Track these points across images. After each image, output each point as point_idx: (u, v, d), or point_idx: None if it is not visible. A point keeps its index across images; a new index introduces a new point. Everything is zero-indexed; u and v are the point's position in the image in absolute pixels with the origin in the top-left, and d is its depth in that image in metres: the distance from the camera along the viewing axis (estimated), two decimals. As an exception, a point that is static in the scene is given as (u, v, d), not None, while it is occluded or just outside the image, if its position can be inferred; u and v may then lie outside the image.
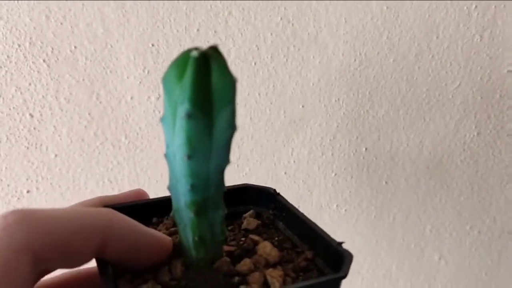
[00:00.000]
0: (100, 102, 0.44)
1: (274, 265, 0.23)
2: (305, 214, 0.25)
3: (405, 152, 0.52)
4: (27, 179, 0.45)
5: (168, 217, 0.28)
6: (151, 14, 0.42)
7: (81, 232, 0.20)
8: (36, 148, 0.44)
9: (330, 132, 0.50)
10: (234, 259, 0.24)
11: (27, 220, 0.19)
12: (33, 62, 0.42)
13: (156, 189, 0.47)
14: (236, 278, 0.22)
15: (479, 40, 0.49)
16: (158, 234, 0.23)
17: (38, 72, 0.42)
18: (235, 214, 0.29)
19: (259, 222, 0.28)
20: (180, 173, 0.20)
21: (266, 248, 0.24)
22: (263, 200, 0.29)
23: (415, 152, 0.52)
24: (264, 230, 0.27)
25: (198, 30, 0.43)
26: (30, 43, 0.41)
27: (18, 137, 0.44)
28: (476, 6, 0.47)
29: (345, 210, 0.54)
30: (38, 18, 0.41)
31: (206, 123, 0.19)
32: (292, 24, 0.45)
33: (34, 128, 0.44)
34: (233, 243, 0.26)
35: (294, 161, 0.50)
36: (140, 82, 0.44)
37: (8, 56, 0.41)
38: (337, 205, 0.53)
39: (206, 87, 0.18)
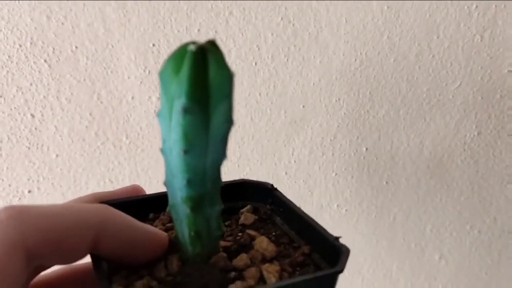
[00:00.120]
0: (101, 102, 0.44)
1: (270, 260, 0.23)
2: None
3: (405, 152, 0.52)
4: (28, 179, 0.45)
5: (164, 213, 0.28)
6: (152, 14, 0.42)
7: (74, 228, 0.20)
8: (37, 148, 0.44)
9: (330, 132, 0.50)
10: (230, 254, 0.24)
11: (20, 216, 0.19)
12: (34, 62, 0.42)
13: (157, 189, 0.46)
14: (233, 273, 0.22)
15: (479, 40, 0.49)
16: (153, 230, 0.23)
17: (39, 72, 0.42)
18: (233, 209, 0.29)
19: (256, 217, 0.28)
20: (176, 168, 0.20)
21: (263, 243, 0.24)
22: (260, 195, 0.29)
23: (416, 152, 0.52)
24: (261, 225, 0.27)
25: (199, 30, 0.43)
26: (31, 43, 0.41)
27: (19, 137, 0.44)
28: (476, 6, 0.47)
29: (346, 210, 0.54)
30: (39, 18, 0.41)
31: (203, 118, 0.19)
32: (293, 24, 0.45)
33: (35, 128, 0.44)
34: (230, 238, 0.26)
35: (294, 161, 0.50)
36: (141, 82, 0.44)
37: (9, 56, 0.41)
38: (337, 205, 0.53)
39: (203, 81, 0.18)
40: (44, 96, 0.43)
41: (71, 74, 0.43)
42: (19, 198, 0.46)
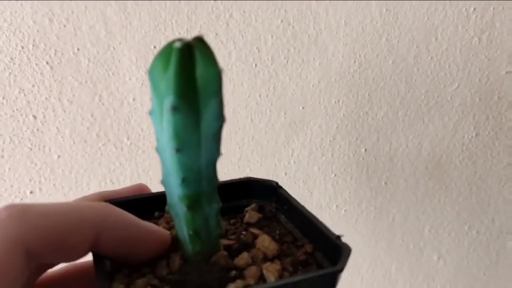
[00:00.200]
0: (103, 104, 0.45)
1: (272, 259, 0.23)
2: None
3: (404, 153, 0.53)
4: (30, 180, 0.46)
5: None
6: (153, 16, 0.43)
7: (74, 226, 0.20)
8: (39, 149, 0.45)
9: (330, 133, 0.50)
10: (232, 252, 0.24)
11: (21, 215, 0.19)
12: (36, 64, 0.42)
13: (159, 189, 0.47)
14: (233, 272, 0.22)
15: (477, 42, 0.49)
16: (155, 228, 0.23)
17: (41, 74, 0.43)
18: (238, 207, 0.28)
19: (261, 215, 0.28)
20: (171, 167, 0.20)
21: (265, 242, 0.24)
22: (265, 193, 0.29)
23: (414, 153, 0.53)
24: (265, 224, 0.27)
25: (199, 32, 0.44)
26: (33, 45, 0.42)
27: (22, 138, 0.44)
28: (474, 9, 0.48)
29: (345, 210, 0.54)
30: (41, 21, 0.41)
31: (193, 115, 0.18)
32: (293, 27, 0.45)
33: (37, 130, 0.44)
34: (233, 236, 0.26)
35: (294, 162, 0.51)
36: (142, 84, 0.45)
37: (11, 58, 0.42)
38: (336, 206, 0.54)
39: (190, 79, 0.17)
40: (46, 98, 0.43)
41: (73, 76, 0.43)
42: (21, 199, 0.46)
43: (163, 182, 0.22)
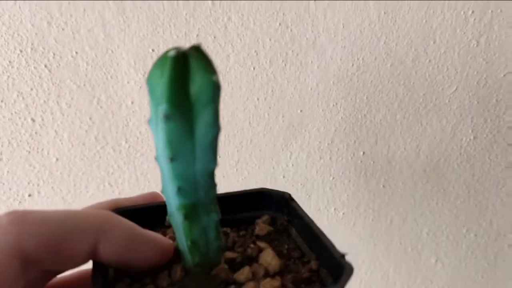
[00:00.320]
0: (101, 107, 0.45)
1: (273, 275, 0.22)
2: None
3: (402, 156, 0.53)
4: (28, 183, 0.46)
5: None
6: (151, 19, 0.43)
7: (72, 234, 0.20)
8: (37, 152, 0.45)
9: (328, 136, 0.50)
10: (235, 266, 0.23)
11: (19, 221, 0.19)
12: (34, 68, 0.42)
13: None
14: (232, 287, 0.21)
15: (475, 45, 0.49)
16: (157, 238, 0.23)
17: (39, 77, 0.43)
18: (250, 218, 0.28)
19: (271, 228, 0.27)
20: (167, 176, 0.20)
21: (268, 257, 0.23)
22: (278, 205, 0.28)
23: (412, 156, 0.53)
24: (275, 237, 0.26)
25: (197, 35, 0.44)
26: (32, 49, 0.42)
27: (20, 141, 0.44)
28: (473, 12, 0.48)
29: (343, 213, 0.54)
30: (39, 24, 0.41)
31: (186, 125, 0.18)
32: (291, 30, 0.45)
33: (36, 133, 0.44)
34: (239, 249, 0.25)
35: (292, 165, 0.51)
36: (140, 87, 0.45)
37: (10, 62, 0.42)
38: (335, 209, 0.54)
39: (183, 88, 0.17)
40: (45, 101, 0.43)
41: (71, 79, 0.43)
42: (20, 202, 0.46)
43: (162, 191, 0.22)
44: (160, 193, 0.28)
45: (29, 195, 0.46)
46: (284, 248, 0.25)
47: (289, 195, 0.27)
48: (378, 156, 0.52)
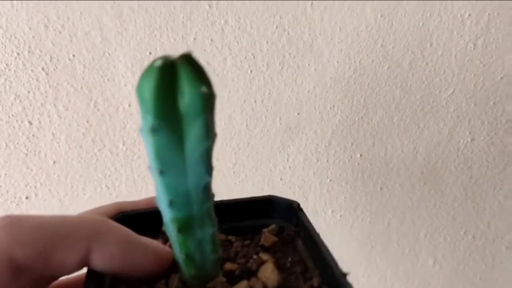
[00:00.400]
0: (98, 110, 0.45)
1: None
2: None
3: (399, 158, 0.53)
4: (26, 185, 0.46)
5: None
6: (149, 23, 0.43)
7: (64, 241, 0.19)
8: (34, 155, 0.45)
9: (325, 138, 0.50)
10: (234, 279, 0.23)
11: (11, 228, 0.19)
12: (32, 70, 0.42)
13: (149, 195, 0.47)
14: None
15: (472, 47, 0.49)
16: (154, 245, 0.22)
17: (37, 80, 0.43)
18: (258, 227, 0.27)
19: (277, 239, 0.26)
20: (158, 188, 0.20)
21: (266, 272, 0.22)
22: (287, 214, 0.27)
23: (410, 158, 0.53)
24: (280, 248, 0.25)
25: (194, 38, 0.44)
26: (29, 52, 0.42)
27: (17, 144, 0.44)
28: (469, 14, 0.48)
29: (340, 215, 0.54)
30: (37, 27, 0.41)
31: (175, 137, 0.17)
32: (288, 33, 0.45)
33: (33, 135, 0.44)
34: (241, 260, 0.24)
35: (289, 167, 0.51)
36: (137, 90, 0.45)
37: (7, 64, 0.42)
38: (332, 211, 0.54)
39: (170, 99, 0.17)
40: (42, 104, 0.44)
41: (69, 82, 0.43)
42: (17, 204, 0.46)
43: (156, 202, 0.21)
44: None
45: (26, 198, 0.46)
46: (288, 261, 0.24)
47: (298, 204, 0.26)
48: (376, 158, 0.52)
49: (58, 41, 0.42)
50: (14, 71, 0.42)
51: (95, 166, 0.47)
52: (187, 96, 0.17)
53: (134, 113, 0.45)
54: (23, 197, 0.46)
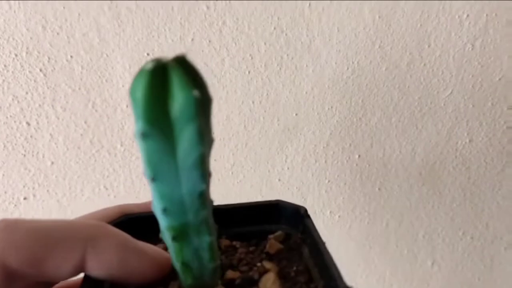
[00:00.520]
0: (96, 111, 0.45)
1: None
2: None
3: (397, 159, 0.53)
4: (24, 186, 0.46)
5: None
6: (146, 24, 0.43)
7: (58, 247, 0.19)
8: (33, 155, 0.45)
9: (323, 139, 0.50)
10: None
11: (5, 233, 0.18)
12: (29, 72, 0.42)
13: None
14: None
15: (470, 48, 0.49)
16: (152, 251, 0.22)
17: (34, 81, 0.43)
18: (265, 232, 0.26)
19: (282, 246, 0.25)
20: (153, 194, 0.19)
21: (268, 282, 0.22)
22: (294, 220, 0.26)
23: (408, 159, 0.53)
24: (286, 256, 0.24)
25: (192, 39, 0.44)
26: (27, 53, 0.42)
27: (15, 145, 0.44)
28: (467, 15, 0.48)
29: (339, 216, 0.54)
30: (34, 28, 0.41)
31: (166, 143, 0.17)
32: (286, 34, 0.46)
33: (31, 136, 0.44)
34: (244, 268, 0.24)
35: (288, 168, 0.51)
36: (135, 91, 0.45)
37: (5, 66, 0.42)
38: (330, 212, 0.54)
39: (161, 104, 0.16)
40: (40, 105, 0.44)
41: (66, 83, 0.43)
42: (15, 205, 0.46)
43: (152, 208, 0.21)
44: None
45: (25, 198, 0.46)
46: (292, 270, 0.23)
47: (305, 210, 0.25)
48: (374, 159, 0.52)
49: (56, 42, 0.42)
50: (12, 72, 0.42)
51: (93, 167, 0.47)
52: (178, 100, 0.16)
53: (132, 114, 0.45)
54: (21, 198, 0.46)
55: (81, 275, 0.22)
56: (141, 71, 0.16)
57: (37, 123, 0.44)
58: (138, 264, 0.21)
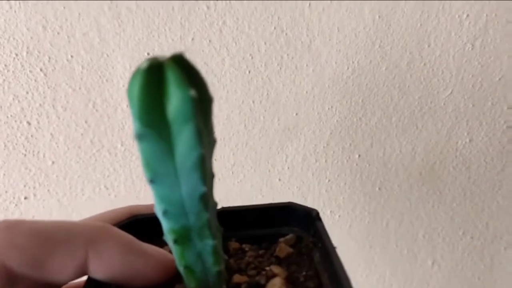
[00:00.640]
0: (97, 110, 0.45)
1: None
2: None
3: (398, 159, 0.53)
4: (24, 186, 0.46)
5: None
6: (147, 23, 0.43)
7: (60, 247, 0.19)
8: (33, 155, 0.45)
9: (323, 139, 0.50)
10: None
11: (6, 233, 0.18)
12: (30, 71, 0.42)
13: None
14: None
15: (470, 48, 0.49)
16: (157, 253, 0.21)
17: (35, 81, 0.43)
18: (276, 235, 0.25)
19: (291, 250, 0.24)
20: (153, 196, 0.18)
21: (274, 287, 0.21)
22: (305, 223, 0.25)
23: (408, 159, 0.53)
24: (296, 260, 0.24)
25: (193, 39, 0.44)
26: (27, 53, 0.42)
27: (16, 144, 0.44)
28: (467, 15, 0.48)
29: (339, 216, 0.54)
30: (35, 28, 0.41)
31: (163, 145, 0.16)
32: (286, 33, 0.46)
33: (32, 136, 0.44)
34: (252, 272, 0.23)
35: (288, 168, 0.51)
36: (135, 91, 0.45)
37: (5, 65, 0.42)
38: (331, 211, 0.54)
39: (157, 104, 0.15)
40: (40, 104, 0.44)
41: (67, 82, 0.43)
42: (16, 205, 0.46)
43: (154, 210, 0.20)
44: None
45: (25, 198, 0.46)
46: (302, 275, 0.22)
47: (317, 213, 0.25)
48: (374, 159, 0.52)
49: (56, 42, 0.42)
50: (13, 72, 0.42)
51: (93, 167, 0.47)
52: (175, 100, 0.15)
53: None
54: (22, 198, 0.46)
55: (84, 277, 0.22)
56: (137, 71, 0.15)
57: (38, 122, 0.44)
58: (142, 267, 0.20)
